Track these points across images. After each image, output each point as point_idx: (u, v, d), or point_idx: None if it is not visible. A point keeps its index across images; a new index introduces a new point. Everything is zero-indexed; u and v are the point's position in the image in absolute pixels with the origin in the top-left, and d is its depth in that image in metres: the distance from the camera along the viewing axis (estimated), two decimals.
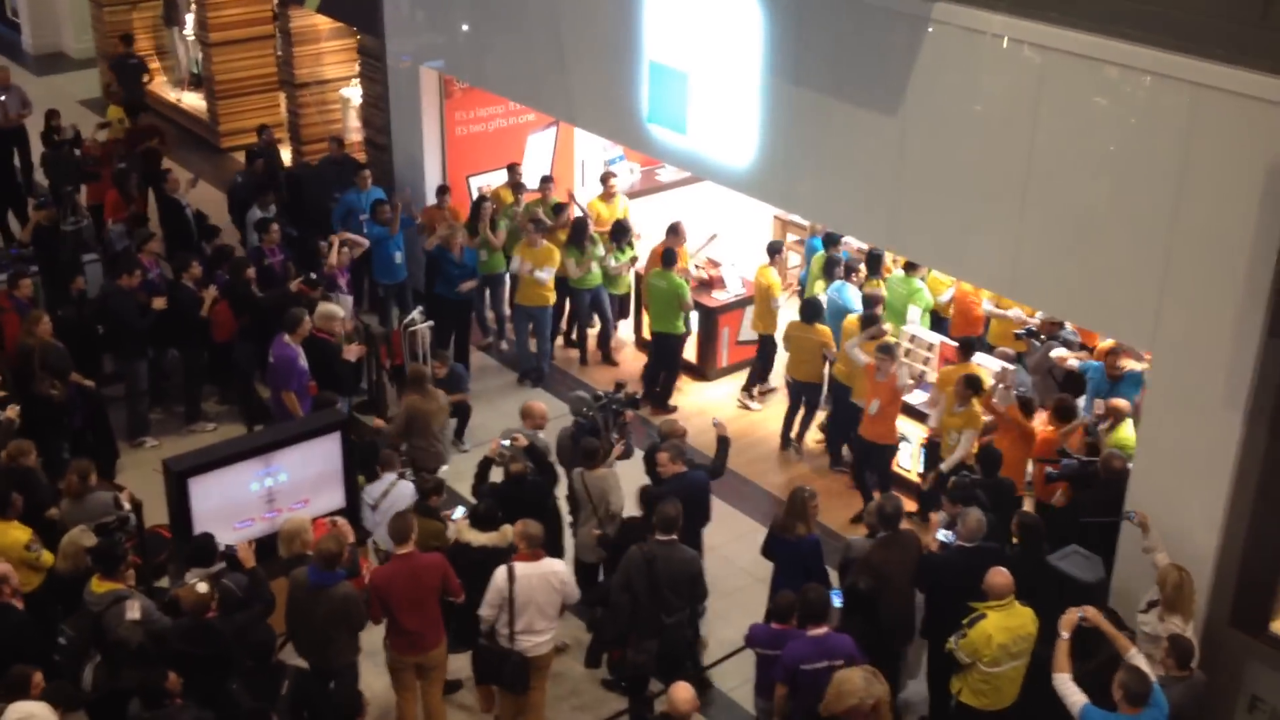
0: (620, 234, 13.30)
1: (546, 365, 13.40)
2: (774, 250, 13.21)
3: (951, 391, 10.39)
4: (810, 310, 11.83)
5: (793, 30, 9.98)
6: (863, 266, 12.77)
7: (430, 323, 12.19)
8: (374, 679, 8.80)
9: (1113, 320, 8.79)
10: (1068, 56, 8.24)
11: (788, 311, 12.70)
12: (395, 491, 9.56)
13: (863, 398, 11.08)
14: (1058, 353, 10.88)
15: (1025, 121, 8.57)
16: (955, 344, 11.28)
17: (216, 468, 9.45)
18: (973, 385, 10.27)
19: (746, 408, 13.02)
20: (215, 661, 7.75)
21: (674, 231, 13.01)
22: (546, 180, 13.99)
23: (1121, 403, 9.97)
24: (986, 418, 10.31)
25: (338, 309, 11.67)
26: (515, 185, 13.86)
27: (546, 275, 12.79)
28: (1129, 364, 10.38)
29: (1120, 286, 8.37)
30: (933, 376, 11.37)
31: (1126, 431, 9.78)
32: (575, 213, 13.62)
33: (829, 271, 12.55)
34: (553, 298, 13.09)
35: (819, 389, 12.15)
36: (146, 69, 18.76)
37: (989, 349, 11.69)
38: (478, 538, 8.74)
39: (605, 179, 14.09)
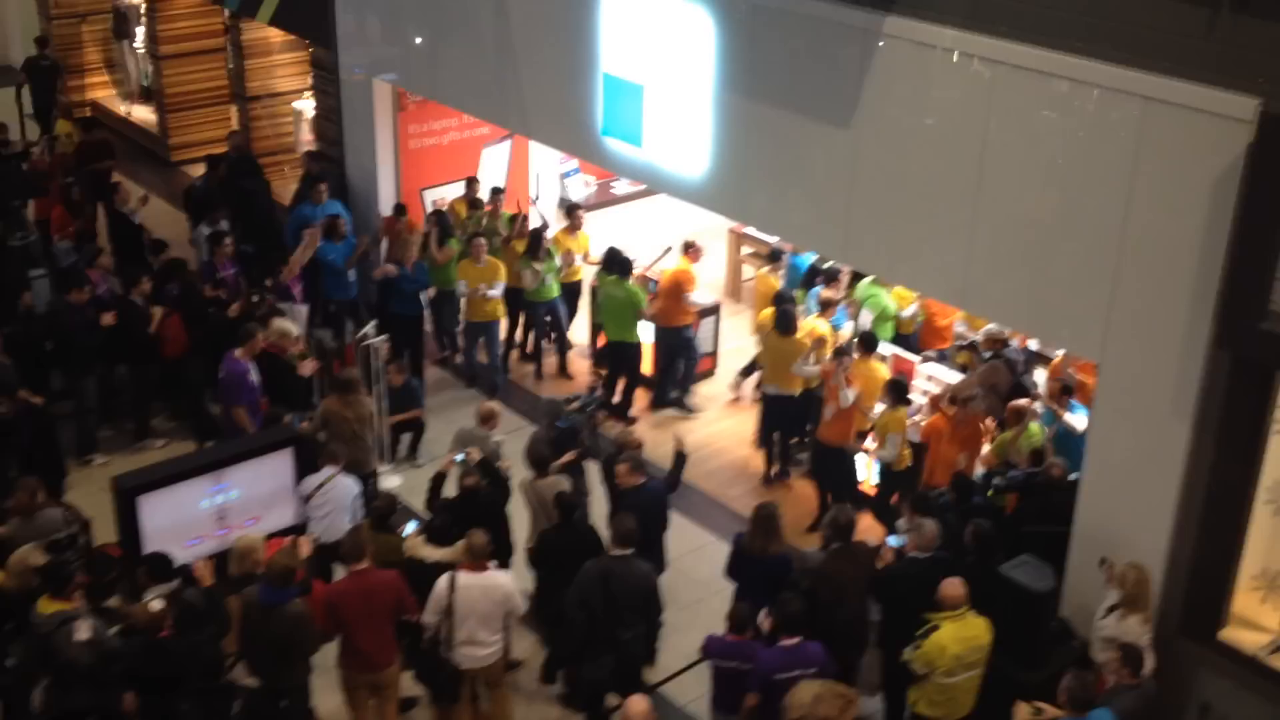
0: (536, 245, 13.16)
1: (501, 378, 13.38)
2: (774, 257, 13.33)
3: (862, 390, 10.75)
4: (785, 321, 11.62)
5: (746, 43, 10.02)
6: (844, 275, 12.82)
7: (384, 337, 12.12)
8: (326, 698, 8.70)
9: (1061, 331, 8.87)
10: (1018, 70, 8.32)
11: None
12: (334, 485, 9.54)
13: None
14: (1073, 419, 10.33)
15: (976, 134, 8.64)
16: (913, 357, 11.35)
17: (166, 485, 9.33)
18: (896, 391, 10.48)
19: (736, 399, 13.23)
20: (167, 682, 7.63)
21: (691, 248, 12.92)
22: (498, 192, 13.95)
23: (1023, 402, 10.16)
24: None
25: (292, 326, 11.58)
26: (471, 201, 13.82)
27: (496, 291, 12.84)
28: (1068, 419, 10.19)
29: (1069, 297, 8.45)
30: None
31: (1033, 429, 10.05)
32: (532, 223, 13.60)
33: (809, 280, 12.61)
34: (502, 311, 13.15)
35: (794, 400, 11.81)
36: (60, 71, 18.56)
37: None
38: (432, 554, 8.68)
39: (571, 211, 13.95)
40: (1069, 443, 9.81)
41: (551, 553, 9.09)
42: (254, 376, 10.83)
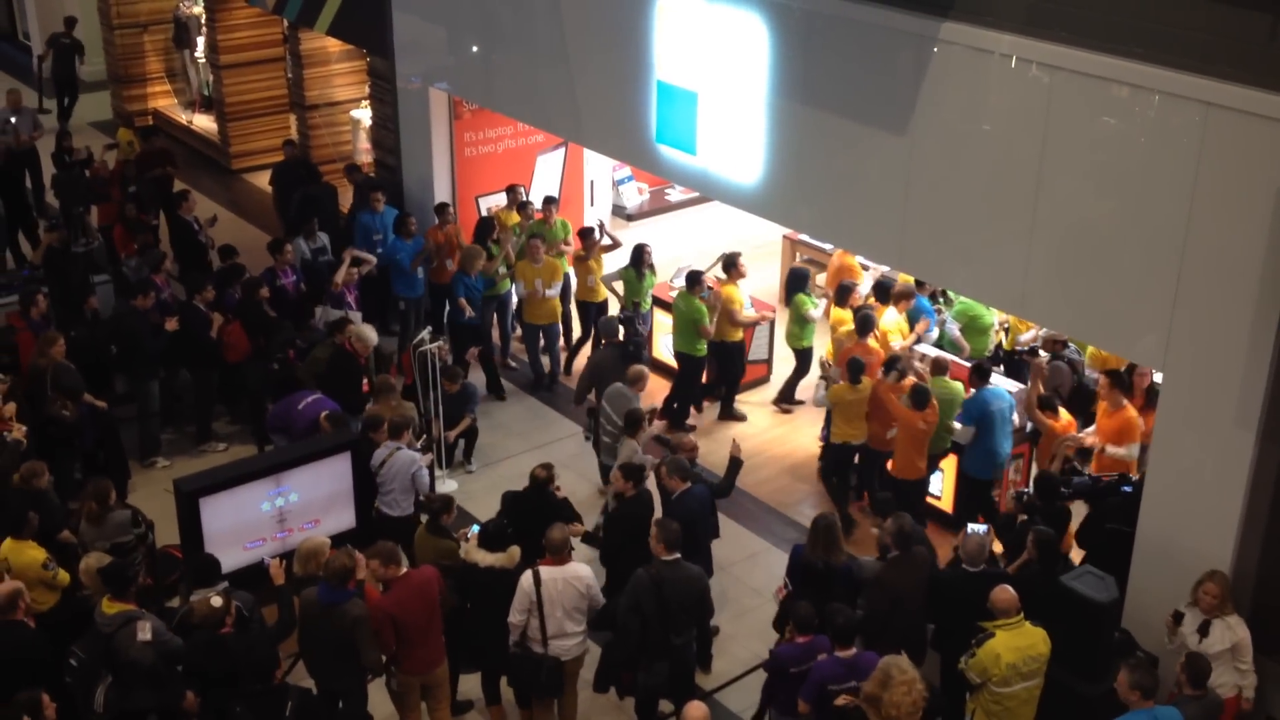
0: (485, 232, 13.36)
1: (558, 377, 13.53)
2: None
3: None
4: (855, 370, 11.01)
5: (800, 50, 10.01)
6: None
7: (440, 342, 12.22)
8: (381, 703, 8.76)
9: (1123, 339, 8.77)
10: (1076, 75, 8.25)
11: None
12: (395, 459, 9.69)
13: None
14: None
15: (1034, 140, 8.58)
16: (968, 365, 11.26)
17: (227, 488, 9.48)
18: (853, 368, 10.77)
19: (788, 411, 13.12)
20: (227, 679, 7.74)
21: (732, 265, 12.84)
22: (551, 201, 13.98)
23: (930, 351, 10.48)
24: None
25: (371, 332, 11.71)
26: (519, 205, 13.87)
27: (553, 291, 13.02)
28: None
29: (1131, 305, 8.37)
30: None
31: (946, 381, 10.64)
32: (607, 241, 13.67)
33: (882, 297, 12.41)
34: (560, 311, 13.32)
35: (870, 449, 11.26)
36: (80, 50, 19.54)
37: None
38: (485, 558, 8.68)
39: (585, 235, 13.51)
40: None
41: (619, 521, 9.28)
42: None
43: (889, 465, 11.04)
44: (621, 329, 12.04)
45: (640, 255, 13.11)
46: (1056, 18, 8.31)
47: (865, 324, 11.62)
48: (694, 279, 12.47)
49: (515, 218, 13.79)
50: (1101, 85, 8.15)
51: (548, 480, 9.46)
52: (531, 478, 9.49)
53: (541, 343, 13.42)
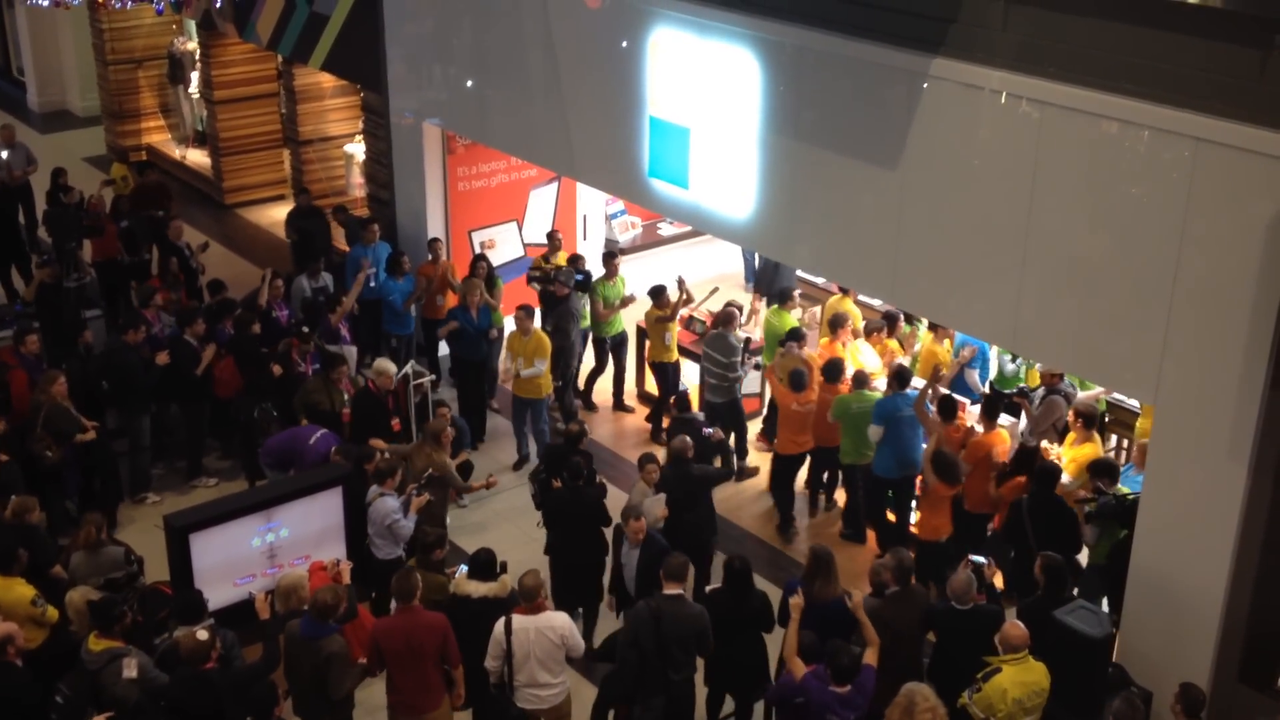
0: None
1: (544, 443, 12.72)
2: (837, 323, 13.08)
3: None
4: (796, 380, 11.39)
5: (792, 85, 10.07)
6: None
7: (432, 376, 12.17)
8: None
9: (1115, 373, 8.78)
10: (1067, 111, 8.30)
11: None
12: (375, 506, 9.61)
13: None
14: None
15: (1025, 175, 8.62)
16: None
17: (218, 523, 9.41)
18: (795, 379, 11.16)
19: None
20: (211, 716, 7.67)
21: (787, 297, 12.82)
22: (612, 256, 13.54)
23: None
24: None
25: (390, 365, 11.60)
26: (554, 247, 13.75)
27: (539, 368, 12.15)
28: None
29: (1123, 339, 8.38)
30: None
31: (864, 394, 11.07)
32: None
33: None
34: (548, 387, 12.47)
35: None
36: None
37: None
38: (478, 589, 8.64)
39: (609, 259, 13.51)
40: None
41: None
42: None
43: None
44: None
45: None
46: (1046, 54, 8.36)
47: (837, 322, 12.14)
48: (785, 294, 12.71)
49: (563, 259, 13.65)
50: (1092, 121, 8.19)
51: (581, 435, 10.59)
52: (567, 433, 10.61)
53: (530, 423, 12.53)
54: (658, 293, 12.85)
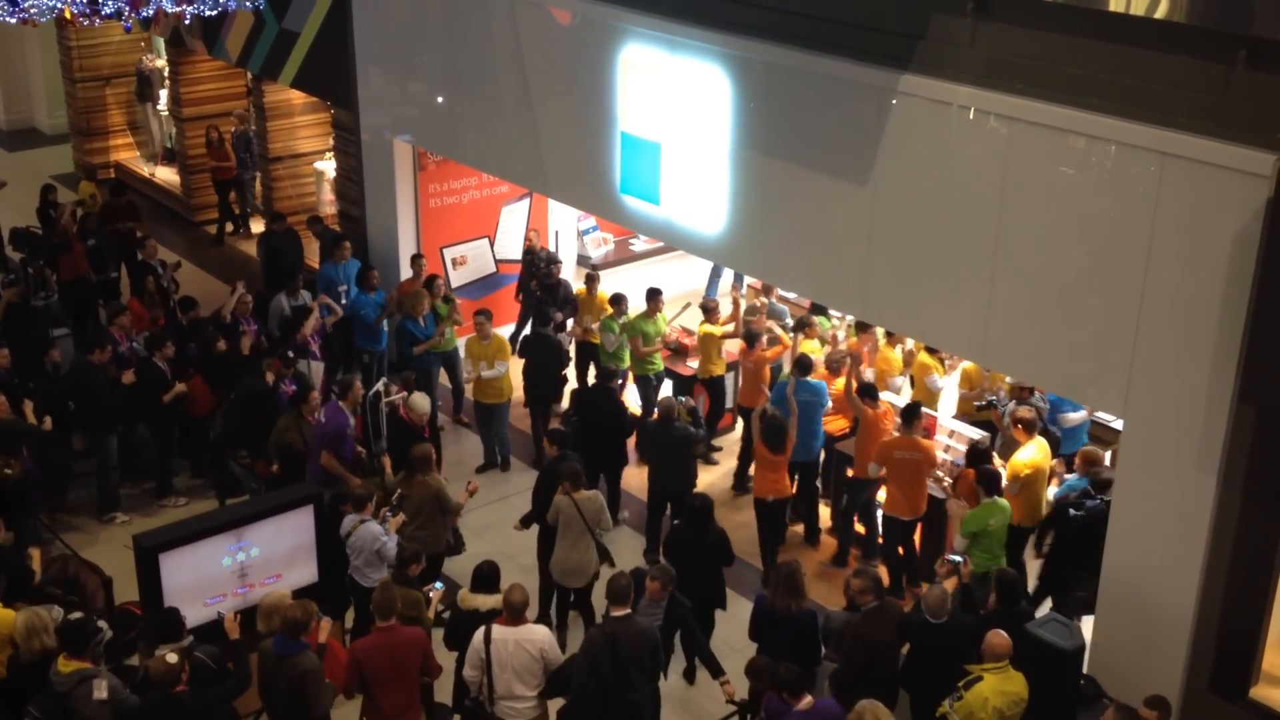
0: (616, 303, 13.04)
1: (505, 457, 12.94)
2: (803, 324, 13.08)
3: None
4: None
5: (762, 102, 10.11)
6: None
7: (403, 394, 12.12)
8: None
9: (1084, 386, 8.84)
10: (1034, 127, 8.37)
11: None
12: (359, 533, 9.51)
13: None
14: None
15: (993, 191, 8.68)
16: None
17: (188, 543, 9.32)
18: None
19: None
20: None
21: (805, 325, 12.66)
22: (656, 294, 13.07)
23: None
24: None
25: (425, 402, 11.30)
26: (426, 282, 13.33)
27: (499, 370, 12.30)
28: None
29: (1091, 352, 8.44)
30: None
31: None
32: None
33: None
34: (509, 390, 12.53)
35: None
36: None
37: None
38: (485, 601, 8.60)
39: (652, 296, 13.01)
40: None
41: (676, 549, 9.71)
42: (353, 430, 10.97)
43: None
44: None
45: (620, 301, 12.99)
46: (1014, 70, 8.44)
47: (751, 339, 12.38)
48: (803, 323, 12.62)
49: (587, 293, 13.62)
50: (1059, 136, 8.26)
51: (612, 375, 11.51)
52: (600, 373, 11.54)
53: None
54: (710, 309, 12.94)
